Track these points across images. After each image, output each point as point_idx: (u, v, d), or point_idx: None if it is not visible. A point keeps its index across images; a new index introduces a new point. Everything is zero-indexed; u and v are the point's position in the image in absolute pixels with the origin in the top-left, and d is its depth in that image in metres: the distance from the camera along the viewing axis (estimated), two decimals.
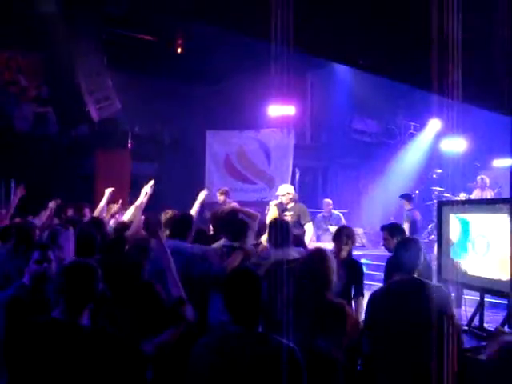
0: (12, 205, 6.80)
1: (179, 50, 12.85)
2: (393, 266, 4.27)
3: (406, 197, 10.92)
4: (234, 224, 5.16)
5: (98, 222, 5.93)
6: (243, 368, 2.55)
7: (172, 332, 3.19)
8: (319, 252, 4.15)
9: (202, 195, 7.36)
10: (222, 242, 5.07)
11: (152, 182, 6.96)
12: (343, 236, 5.53)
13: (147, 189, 6.93)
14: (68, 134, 12.84)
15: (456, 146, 14.06)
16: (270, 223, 5.35)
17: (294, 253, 4.87)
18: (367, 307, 4.19)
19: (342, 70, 14.04)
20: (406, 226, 9.97)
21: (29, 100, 12.94)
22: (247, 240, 5.10)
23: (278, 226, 5.14)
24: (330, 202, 11.81)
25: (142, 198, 6.89)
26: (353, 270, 5.37)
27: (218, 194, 9.37)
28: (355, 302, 5.35)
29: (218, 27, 9.81)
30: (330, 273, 3.96)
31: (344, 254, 5.45)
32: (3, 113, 12.56)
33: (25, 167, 11.31)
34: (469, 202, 8.33)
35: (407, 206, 10.72)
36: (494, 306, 7.43)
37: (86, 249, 4.61)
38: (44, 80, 12.86)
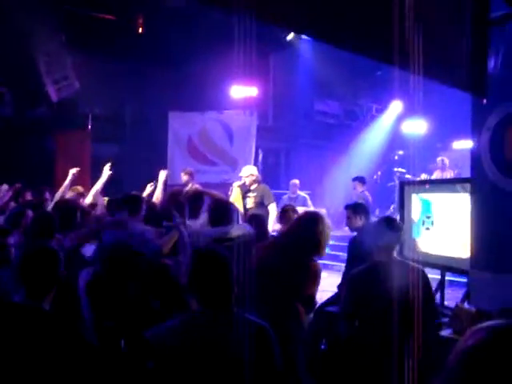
0: None
1: (140, 30, 12.62)
2: (367, 245, 4.13)
3: (360, 179, 11.07)
4: (179, 205, 5.19)
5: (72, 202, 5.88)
6: (215, 350, 2.48)
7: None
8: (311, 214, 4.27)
9: (162, 174, 7.35)
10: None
11: (109, 164, 6.93)
12: (290, 217, 5.54)
13: (107, 171, 6.90)
14: (25, 115, 12.52)
15: (417, 127, 14.26)
16: (209, 204, 5.39)
17: (237, 231, 4.87)
18: (346, 289, 4.11)
19: (304, 52, 14.04)
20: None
21: None
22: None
23: (217, 205, 5.17)
24: (297, 182, 11.85)
25: (104, 180, 6.84)
26: None
27: (182, 175, 9.26)
28: None
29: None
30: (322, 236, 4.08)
31: None
32: None
33: None
34: (430, 181, 8.45)
35: (360, 187, 10.87)
36: (453, 283, 7.61)
37: (46, 231, 4.53)
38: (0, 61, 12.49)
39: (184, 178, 9.15)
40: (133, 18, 12.43)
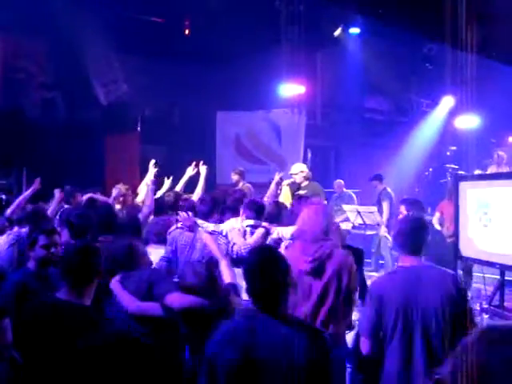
0: (26, 197, 6.70)
1: (187, 31, 12.68)
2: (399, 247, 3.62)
3: (378, 177, 10.78)
4: (255, 203, 5.18)
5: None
6: (276, 352, 2.41)
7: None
8: None
9: (203, 170, 7.25)
10: (238, 220, 5.06)
11: (154, 162, 6.97)
12: None
13: (152, 168, 6.95)
14: (77, 118, 12.76)
15: (470, 122, 13.87)
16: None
17: None
18: (368, 300, 3.55)
19: (352, 48, 13.83)
20: (386, 205, 9.92)
21: (36, 86, 12.86)
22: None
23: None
24: (342, 182, 11.69)
25: (151, 177, 6.87)
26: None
27: (232, 174, 9.23)
28: None
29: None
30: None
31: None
32: (11, 100, 12.49)
33: (34, 154, 11.28)
34: (486, 176, 8.17)
35: (380, 186, 10.58)
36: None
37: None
38: (51, 65, 12.76)
39: (234, 177, 9.12)
40: (180, 19, 12.50)
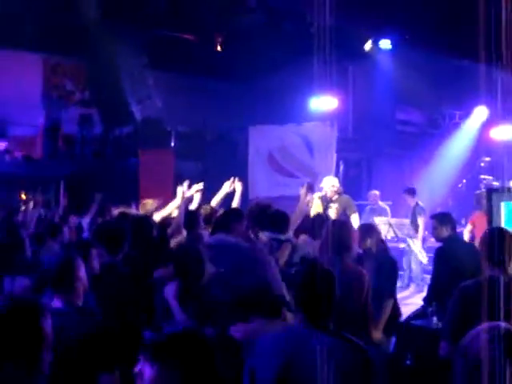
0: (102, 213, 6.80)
1: (219, 48, 12.88)
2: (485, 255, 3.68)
3: (411, 191, 10.68)
4: (278, 216, 5.10)
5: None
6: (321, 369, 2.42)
7: None
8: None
9: (239, 186, 7.11)
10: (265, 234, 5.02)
11: (187, 183, 6.81)
12: (361, 234, 5.29)
13: (185, 189, 6.80)
14: (112, 134, 13.06)
15: (504, 133, 13.72)
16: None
17: None
18: (452, 305, 3.64)
19: (383, 62, 13.85)
20: (421, 220, 9.85)
21: (74, 103, 13.23)
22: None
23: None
24: (377, 193, 11.66)
25: (182, 199, 6.68)
26: (384, 268, 5.10)
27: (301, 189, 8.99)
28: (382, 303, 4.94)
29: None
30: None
31: (373, 249, 5.22)
32: (51, 116, 12.86)
33: (71, 168, 11.57)
34: None
35: (411, 200, 10.51)
36: None
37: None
38: (88, 83, 13.12)
39: (302, 191, 8.95)
40: (212, 36, 12.71)
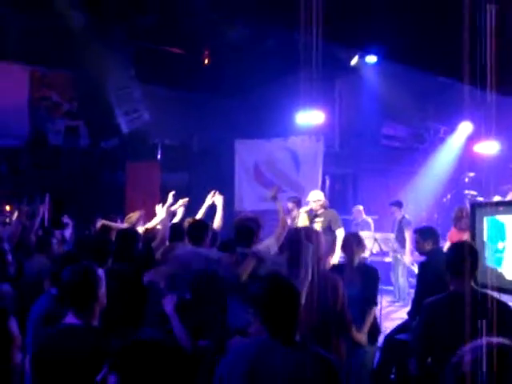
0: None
1: (206, 61, 12.93)
2: (449, 270, 3.72)
3: (398, 204, 10.83)
4: (242, 230, 5.09)
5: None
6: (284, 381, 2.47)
7: None
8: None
9: (219, 200, 7.05)
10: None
11: (173, 193, 6.85)
12: (352, 244, 5.41)
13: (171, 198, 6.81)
14: (99, 146, 13.03)
15: (489, 148, 13.85)
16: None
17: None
18: (419, 322, 3.69)
19: (369, 76, 13.97)
20: (408, 234, 9.93)
21: (61, 114, 13.19)
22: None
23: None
24: (361, 208, 11.74)
25: (168, 205, 6.75)
26: (367, 276, 5.26)
27: (288, 203, 9.09)
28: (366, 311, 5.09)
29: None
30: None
31: (356, 260, 5.38)
32: (37, 127, 12.82)
33: (57, 180, 11.52)
34: (503, 203, 8.18)
35: (398, 213, 10.64)
36: None
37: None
38: (75, 94, 13.10)
39: (289, 205, 9.07)
40: (199, 50, 12.76)
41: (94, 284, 3.05)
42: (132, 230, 5.86)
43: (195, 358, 3.20)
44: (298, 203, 9.20)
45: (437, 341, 3.41)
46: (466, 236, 7.06)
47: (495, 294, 3.69)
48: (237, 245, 4.96)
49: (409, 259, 10.00)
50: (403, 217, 10.56)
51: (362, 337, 4.77)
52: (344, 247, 5.51)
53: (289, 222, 8.39)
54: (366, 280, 5.19)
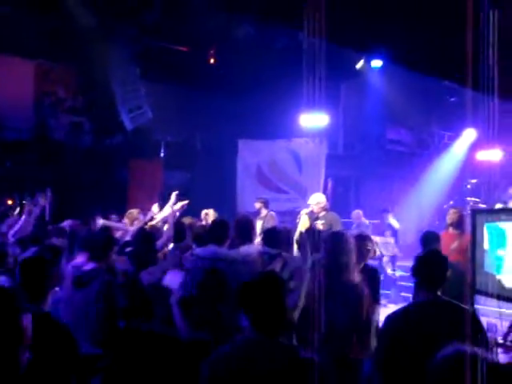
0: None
1: (212, 61, 12.93)
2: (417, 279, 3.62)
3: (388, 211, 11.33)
4: (271, 231, 5.15)
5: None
6: (263, 378, 2.47)
7: None
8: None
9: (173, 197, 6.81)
10: (249, 247, 5.03)
11: (176, 193, 6.79)
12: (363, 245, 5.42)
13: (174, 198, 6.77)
14: (102, 143, 13.03)
15: (492, 155, 13.83)
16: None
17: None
18: (380, 335, 3.62)
19: (374, 80, 13.96)
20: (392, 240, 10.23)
21: (65, 110, 13.19)
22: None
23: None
24: (360, 212, 11.76)
25: (171, 207, 6.72)
26: (370, 276, 5.29)
27: (255, 202, 9.41)
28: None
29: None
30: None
31: (362, 263, 5.38)
32: (40, 123, 12.82)
33: (59, 175, 11.52)
34: (504, 210, 8.17)
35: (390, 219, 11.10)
36: None
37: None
38: (79, 90, 13.11)
39: (257, 205, 9.29)
40: (205, 49, 12.77)
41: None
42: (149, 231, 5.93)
43: (192, 349, 3.21)
44: (266, 203, 9.34)
45: (398, 354, 3.29)
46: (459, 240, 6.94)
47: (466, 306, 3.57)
48: (264, 245, 4.97)
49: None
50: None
51: (374, 342, 4.79)
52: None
53: (259, 223, 8.52)
54: (370, 280, 5.21)
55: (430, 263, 3.50)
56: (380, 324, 5.43)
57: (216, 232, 5.02)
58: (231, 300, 4.20)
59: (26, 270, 3.18)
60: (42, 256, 3.48)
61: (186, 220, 6.34)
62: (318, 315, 3.47)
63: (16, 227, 6.24)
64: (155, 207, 6.80)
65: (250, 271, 4.54)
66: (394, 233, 10.81)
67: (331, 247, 4.37)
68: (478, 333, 3.19)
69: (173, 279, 5.03)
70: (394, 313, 3.63)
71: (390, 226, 10.95)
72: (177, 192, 6.83)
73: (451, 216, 7.10)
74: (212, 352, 2.64)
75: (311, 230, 5.50)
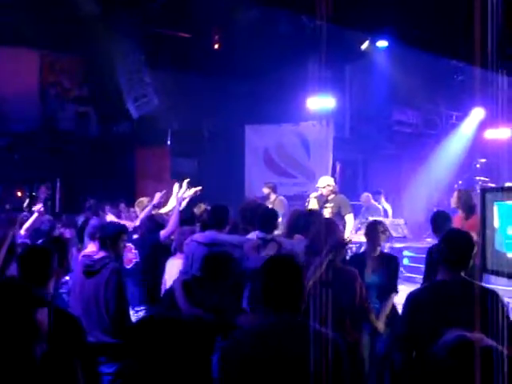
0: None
1: (216, 46, 12.87)
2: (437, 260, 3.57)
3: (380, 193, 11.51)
4: (266, 216, 5.15)
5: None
6: (286, 356, 2.46)
7: None
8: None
9: (176, 188, 6.64)
10: (254, 233, 5.05)
11: (187, 181, 6.72)
12: (377, 232, 5.42)
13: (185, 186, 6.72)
14: (109, 132, 13.04)
15: (500, 134, 13.73)
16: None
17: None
18: (402, 314, 3.53)
19: (380, 61, 13.83)
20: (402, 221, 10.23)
21: (71, 100, 13.21)
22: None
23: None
24: (369, 195, 11.73)
25: (181, 197, 6.63)
26: (389, 265, 5.33)
27: (263, 188, 9.36)
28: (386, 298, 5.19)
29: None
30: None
31: (378, 249, 5.42)
32: (47, 113, 12.84)
33: (67, 165, 11.55)
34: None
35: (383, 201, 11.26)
36: None
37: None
38: (85, 80, 13.10)
39: (265, 190, 9.25)
40: (209, 34, 12.70)
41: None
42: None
43: (194, 328, 3.22)
44: (274, 188, 9.29)
45: (420, 333, 3.21)
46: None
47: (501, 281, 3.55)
48: (258, 229, 4.98)
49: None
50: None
51: (379, 324, 4.83)
52: (368, 235, 5.48)
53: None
54: (388, 268, 5.27)
55: (457, 243, 3.43)
56: (399, 310, 5.46)
57: (216, 217, 5.11)
58: (231, 283, 4.25)
59: (25, 260, 3.29)
60: (43, 247, 3.60)
61: (201, 207, 6.33)
62: (313, 300, 3.47)
63: (27, 225, 6.25)
64: (157, 195, 6.67)
65: (245, 256, 4.66)
66: (385, 215, 10.97)
67: (320, 230, 4.38)
68: (503, 319, 3.01)
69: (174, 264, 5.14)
70: (419, 290, 3.58)
71: (383, 208, 11.12)
72: (188, 179, 6.77)
73: (454, 200, 7.08)
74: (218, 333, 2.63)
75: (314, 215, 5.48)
